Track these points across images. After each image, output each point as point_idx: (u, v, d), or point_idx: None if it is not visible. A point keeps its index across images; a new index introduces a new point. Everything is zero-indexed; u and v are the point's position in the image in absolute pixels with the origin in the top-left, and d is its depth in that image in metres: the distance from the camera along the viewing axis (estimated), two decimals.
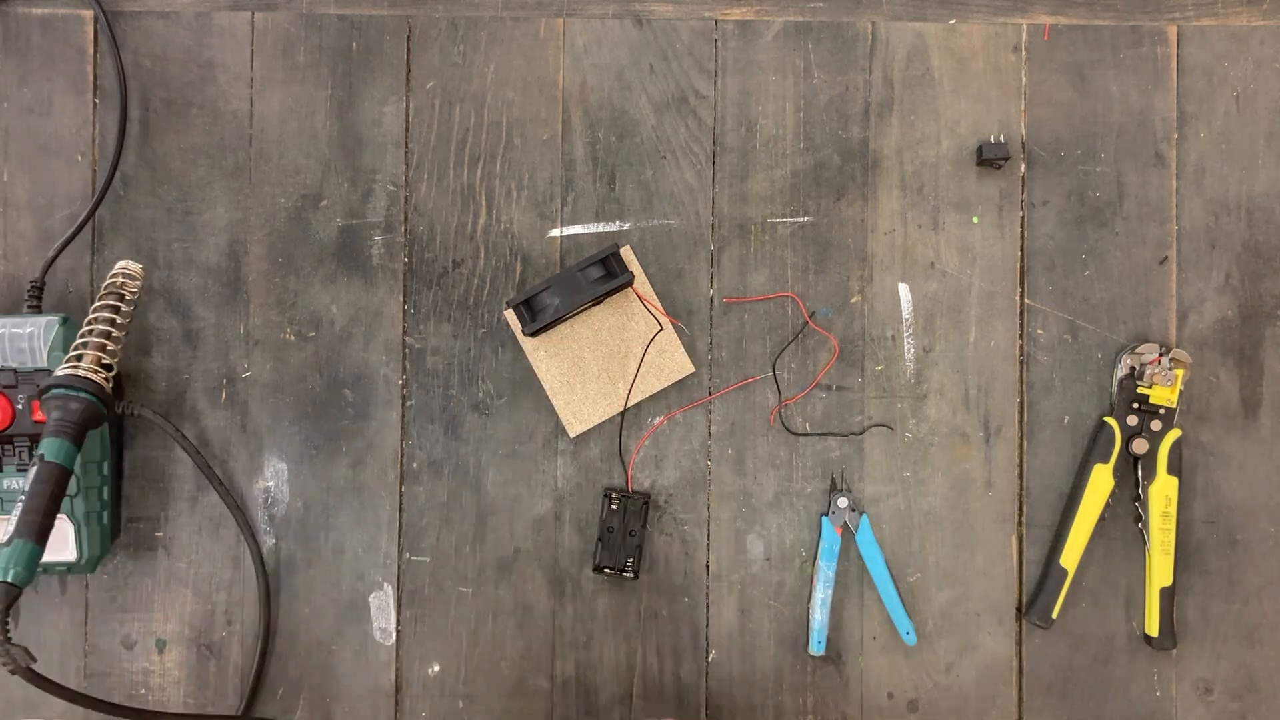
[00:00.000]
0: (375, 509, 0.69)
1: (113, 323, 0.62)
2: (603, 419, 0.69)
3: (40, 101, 0.69)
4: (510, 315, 0.68)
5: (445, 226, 0.69)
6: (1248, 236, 0.70)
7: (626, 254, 0.69)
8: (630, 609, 0.69)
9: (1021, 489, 0.70)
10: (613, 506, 0.68)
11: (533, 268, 0.70)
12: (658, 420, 0.69)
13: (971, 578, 0.69)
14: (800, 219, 0.70)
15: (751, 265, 0.69)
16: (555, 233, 0.70)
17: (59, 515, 0.59)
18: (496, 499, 0.69)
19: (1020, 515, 0.70)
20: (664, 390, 0.69)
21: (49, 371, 0.63)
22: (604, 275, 0.65)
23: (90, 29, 0.69)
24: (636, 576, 0.68)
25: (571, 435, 0.69)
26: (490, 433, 0.69)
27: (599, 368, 0.68)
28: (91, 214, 0.68)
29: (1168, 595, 0.68)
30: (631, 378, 0.68)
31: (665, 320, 0.68)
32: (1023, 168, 0.70)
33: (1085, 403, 0.70)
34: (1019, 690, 0.69)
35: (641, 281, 0.69)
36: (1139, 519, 0.69)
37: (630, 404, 0.68)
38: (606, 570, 0.68)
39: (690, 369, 0.68)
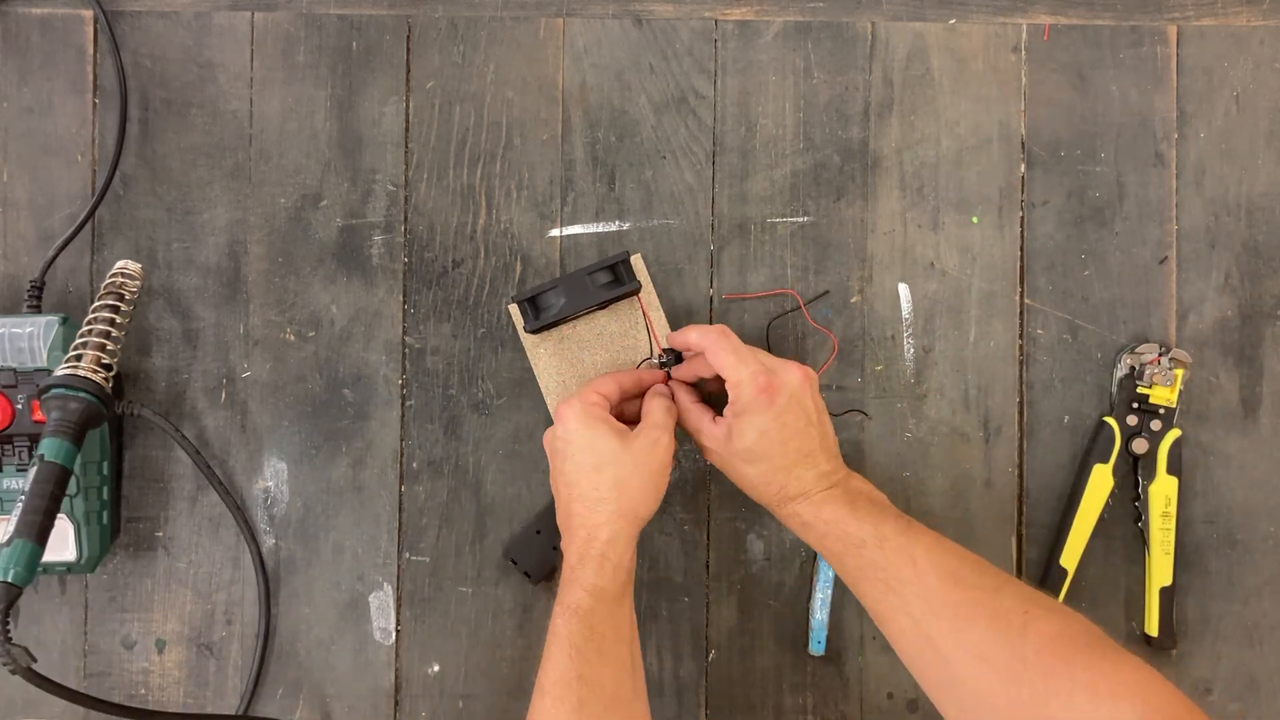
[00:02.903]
0: (375, 509, 0.69)
1: (112, 323, 0.62)
2: None
3: (40, 101, 0.69)
4: (514, 310, 0.68)
5: (445, 226, 0.69)
6: (1248, 236, 0.70)
7: (637, 263, 0.68)
8: None
9: (1021, 489, 0.70)
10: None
11: (532, 268, 0.70)
12: None
13: None
14: (800, 219, 0.70)
15: (751, 265, 0.69)
16: (555, 233, 0.70)
17: (59, 515, 0.59)
18: (496, 499, 0.69)
19: (1020, 515, 0.70)
20: None
21: (49, 371, 0.63)
22: (611, 281, 0.65)
23: (90, 29, 0.69)
24: (536, 583, 0.68)
25: None
26: (490, 433, 0.69)
27: (596, 372, 0.68)
28: (91, 214, 0.68)
29: (1167, 595, 0.68)
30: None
31: (660, 336, 0.68)
32: (1023, 168, 0.70)
33: (1085, 403, 0.70)
34: None
35: (648, 292, 0.68)
36: (1139, 519, 0.69)
37: None
38: (513, 561, 0.68)
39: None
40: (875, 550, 0.56)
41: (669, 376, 0.65)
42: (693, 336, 0.62)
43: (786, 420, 0.58)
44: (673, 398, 0.64)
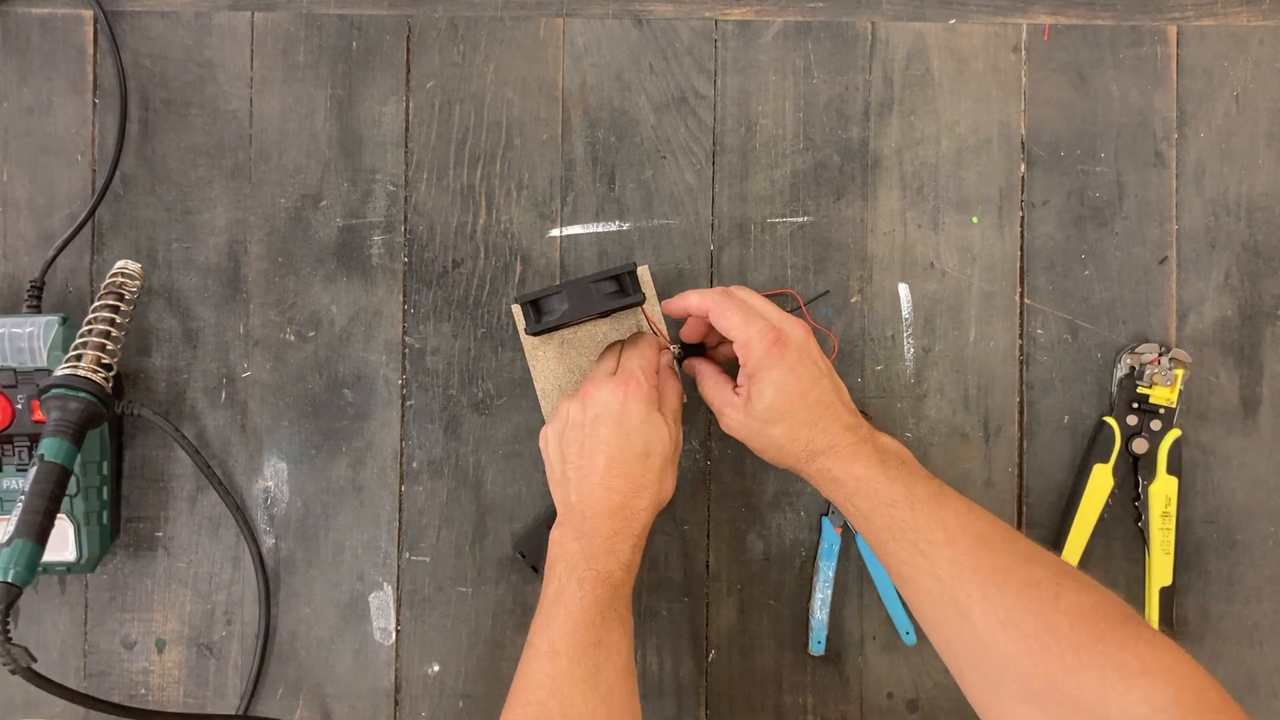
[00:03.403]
0: (375, 509, 0.69)
1: (112, 322, 0.62)
2: None
3: (40, 101, 0.69)
4: (516, 311, 0.68)
5: (445, 226, 0.69)
6: (1248, 236, 0.70)
7: (643, 275, 0.68)
8: None
9: (1021, 489, 0.70)
10: None
11: (533, 268, 0.70)
12: None
13: None
14: (800, 219, 0.70)
15: (751, 265, 0.69)
16: (555, 233, 0.70)
17: (59, 515, 0.59)
18: (496, 499, 0.69)
19: (1020, 515, 0.70)
20: None
21: (49, 371, 0.63)
22: (617, 291, 0.64)
23: (90, 29, 0.69)
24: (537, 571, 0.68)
25: None
26: (490, 433, 0.69)
27: None
28: (91, 214, 0.68)
29: (1167, 595, 0.68)
30: None
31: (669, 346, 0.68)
32: (1023, 168, 0.70)
33: (1085, 403, 0.70)
34: None
35: (652, 304, 0.68)
36: (1139, 519, 0.69)
37: None
38: (521, 555, 0.68)
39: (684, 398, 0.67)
40: (906, 511, 0.55)
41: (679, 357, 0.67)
42: (693, 300, 0.62)
43: (800, 373, 0.58)
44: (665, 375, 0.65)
